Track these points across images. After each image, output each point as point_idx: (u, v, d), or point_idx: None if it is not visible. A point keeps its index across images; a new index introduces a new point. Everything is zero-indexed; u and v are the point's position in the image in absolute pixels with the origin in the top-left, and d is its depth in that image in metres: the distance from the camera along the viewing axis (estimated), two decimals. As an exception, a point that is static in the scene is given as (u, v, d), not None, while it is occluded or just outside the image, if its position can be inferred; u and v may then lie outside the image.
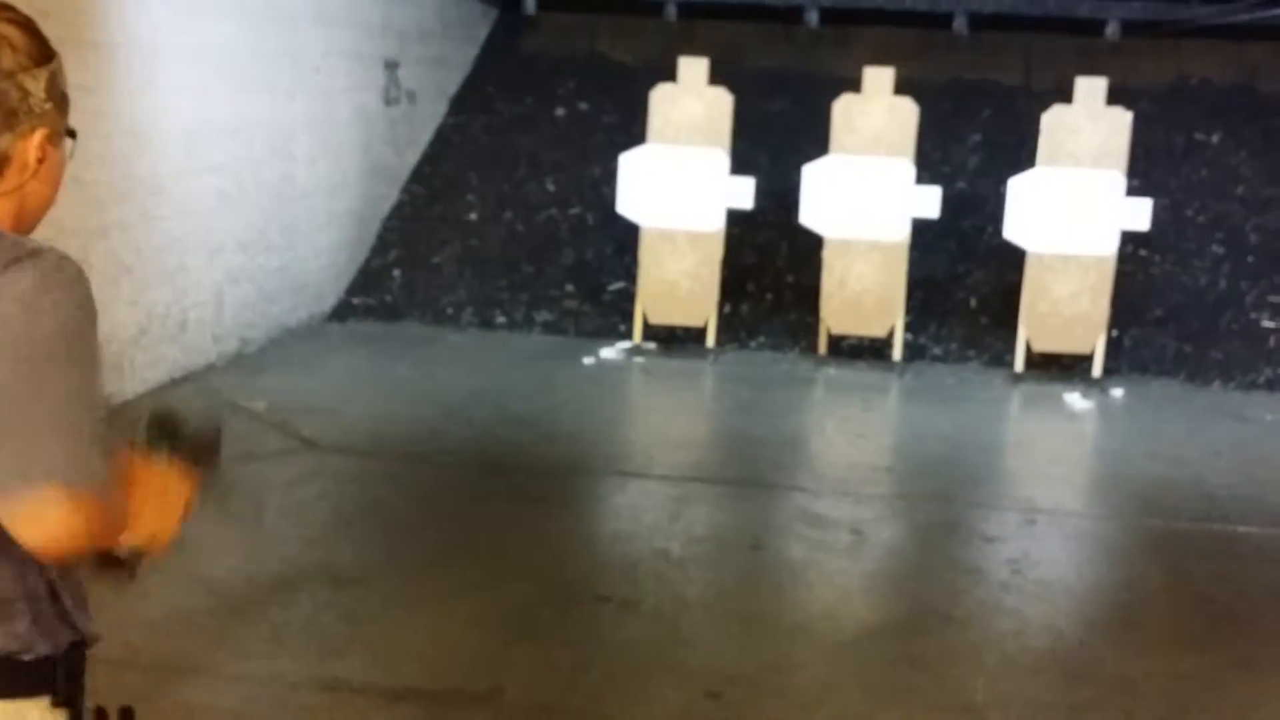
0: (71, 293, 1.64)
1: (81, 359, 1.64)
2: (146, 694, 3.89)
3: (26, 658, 1.75)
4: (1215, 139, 10.23)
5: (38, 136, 1.74)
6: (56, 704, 1.80)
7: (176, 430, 1.88)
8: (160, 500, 1.84)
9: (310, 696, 3.98)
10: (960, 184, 9.95)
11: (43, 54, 1.74)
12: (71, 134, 1.83)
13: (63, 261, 1.65)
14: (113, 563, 1.81)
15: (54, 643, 1.78)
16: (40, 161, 1.75)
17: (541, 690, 4.11)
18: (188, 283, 7.39)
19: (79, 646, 1.84)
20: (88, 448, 1.62)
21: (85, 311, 1.65)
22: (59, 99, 1.77)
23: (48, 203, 1.82)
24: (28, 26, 1.73)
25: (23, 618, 1.74)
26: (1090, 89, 8.50)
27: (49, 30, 1.80)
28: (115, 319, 6.65)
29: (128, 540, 1.79)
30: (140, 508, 1.79)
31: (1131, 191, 8.55)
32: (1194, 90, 10.66)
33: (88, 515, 1.62)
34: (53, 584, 1.78)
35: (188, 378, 7.34)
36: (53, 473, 1.59)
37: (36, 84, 1.72)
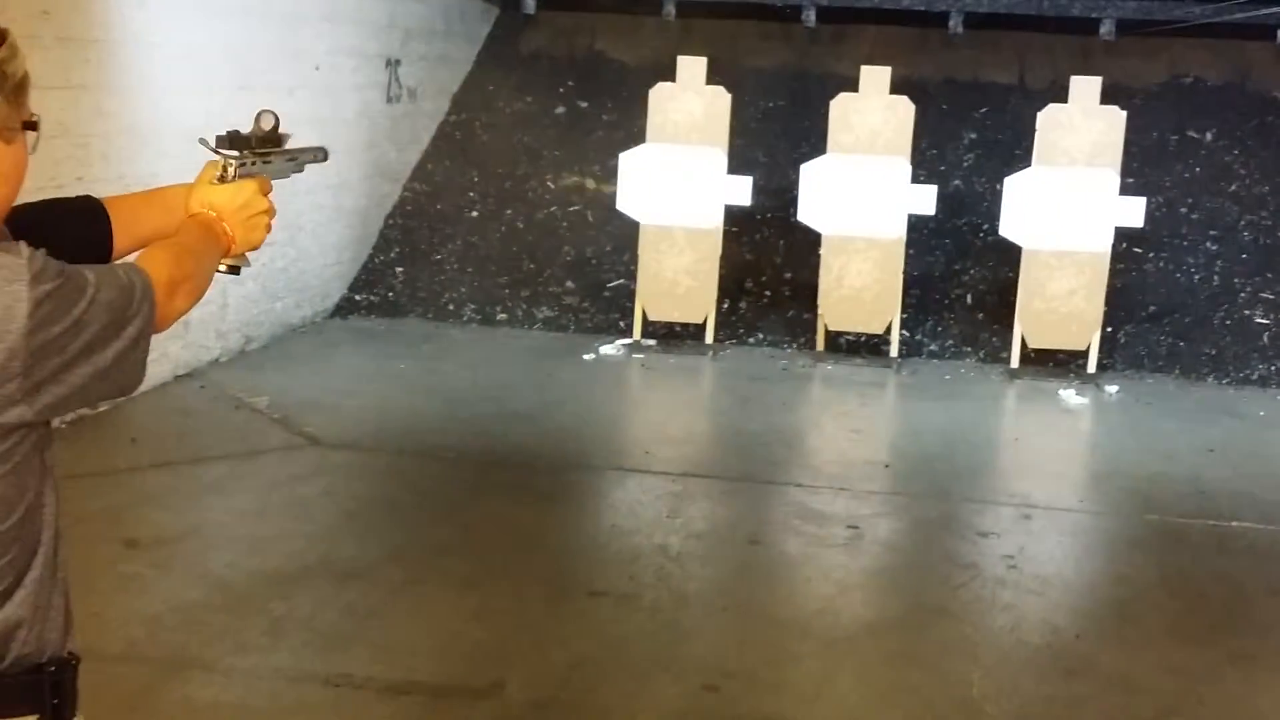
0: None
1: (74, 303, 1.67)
2: (147, 688, 3.94)
3: (14, 673, 1.72)
4: (1209, 137, 10.28)
5: None
6: (44, 719, 1.76)
7: (240, 142, 2.10)
8: (243, 217, 2.07)
9: (311, 691, 4.02)
10: (956, 182, 9.99)
11: None
12: (31, 125, 1.71)
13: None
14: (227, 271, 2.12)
15: (45, 654, 1.76)
16: None
17: (541, 684, 4.15)
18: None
19: (67, 662, 1.81)
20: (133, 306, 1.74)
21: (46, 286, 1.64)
22: (11, 90, 1.65)
23: (4, 200, 1.73)
24: None
25: (28, 639, 1.74)
26: (1085, 88, 8.54)
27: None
28: (118, 316, 6.67)
29: (230, 257, 2.09)
30: (232, 230, 2.05)
31: (1125, 189, 8.60)
32: (1187, 88, 10.69)
33: (176, 308, 1.83)
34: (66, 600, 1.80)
35: (192, 374, 7.38)
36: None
37: None
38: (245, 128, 2.11)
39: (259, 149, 2.12)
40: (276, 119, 2.12)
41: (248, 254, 2.13)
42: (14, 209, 1.86)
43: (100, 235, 2.02)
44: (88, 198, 2.06)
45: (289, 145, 2.17)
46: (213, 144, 2.07)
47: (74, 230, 1.99)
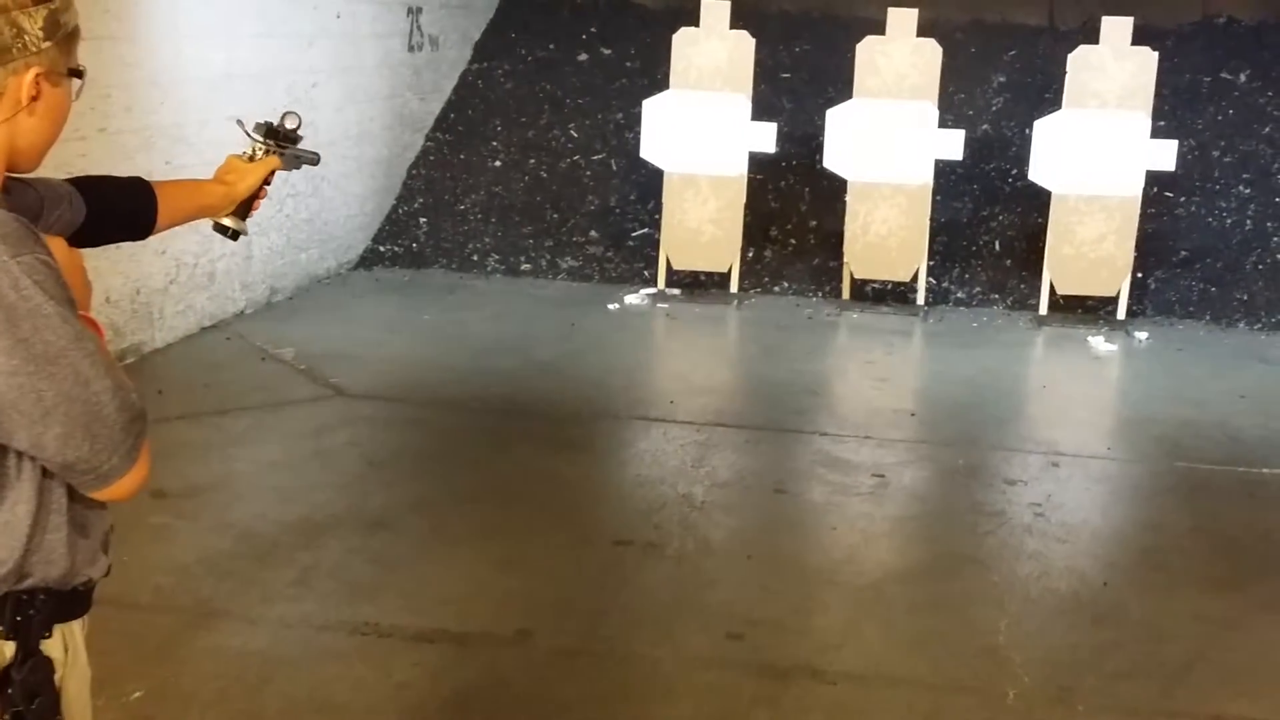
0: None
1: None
2: (175, 636, 3.97)
3: None
4: (1242, 79, 10.13)
5: (30, 74, 1.73)
6: (5, 636, 1.80)
7: (270, 132, 2.53)
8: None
9: (338, 639, 4.04)
10: (984, 126, 9.89)
11: None
12: (77, 73, 1.82)
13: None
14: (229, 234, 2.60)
15: (27, 585, 1.80)
16: (34, 99, 1.75)
17: (567, 633, 4.16)
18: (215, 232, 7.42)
19: (41, 590, 1.82)
20: (128, 409, 1.76)
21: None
22: (62, 38, 1.76)
23: (46, 140, 1.82)
24: None
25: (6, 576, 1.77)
26: (1116, 28, 8.43)
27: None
28: (144, 269, 6.70)
29: (230, 218, 2.56)
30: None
31: (1157, 132, 8.49)
32: (1221, 29, 10.54)
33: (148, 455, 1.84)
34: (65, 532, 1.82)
35: (217, 326, 7.40)
36: (127, 457, 1.79)
37: (32, 22, 1.71)
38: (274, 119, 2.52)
39: (282, 141, 2.52)
40: (299, 120, 2.54)
41: (245, 222, 2.52)
42: (73, 180, 2.19)
43: (147, 214, 2.34)
44: (139, 179, 2.37)
45: (301, 146, 2.59)
46: (249, 128, 2.51)
47: (124, 204, 2.30)
